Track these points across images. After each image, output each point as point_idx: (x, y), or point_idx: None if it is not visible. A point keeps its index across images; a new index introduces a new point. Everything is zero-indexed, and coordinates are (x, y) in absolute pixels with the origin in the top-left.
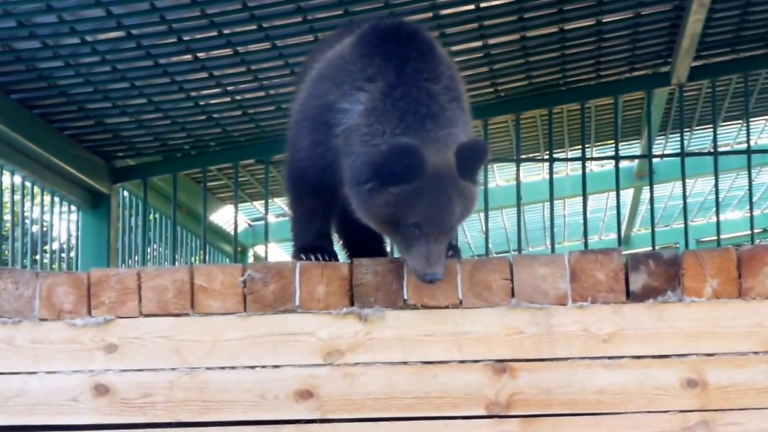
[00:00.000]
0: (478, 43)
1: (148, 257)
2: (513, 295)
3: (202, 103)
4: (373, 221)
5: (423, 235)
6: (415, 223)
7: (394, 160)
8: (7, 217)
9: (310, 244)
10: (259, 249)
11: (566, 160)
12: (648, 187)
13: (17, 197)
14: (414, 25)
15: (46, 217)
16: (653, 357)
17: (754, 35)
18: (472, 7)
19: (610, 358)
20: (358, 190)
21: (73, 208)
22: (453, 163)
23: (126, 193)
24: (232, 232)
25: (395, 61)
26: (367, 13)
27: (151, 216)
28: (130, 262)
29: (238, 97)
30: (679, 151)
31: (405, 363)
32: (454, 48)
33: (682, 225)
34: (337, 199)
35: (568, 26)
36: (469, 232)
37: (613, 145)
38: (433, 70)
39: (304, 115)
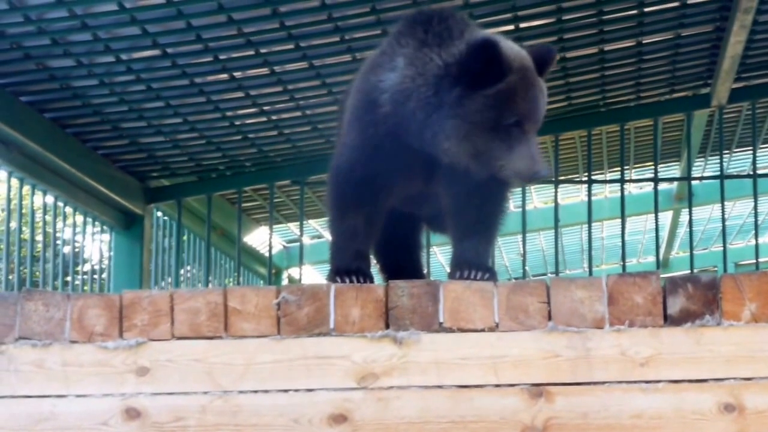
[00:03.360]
0: None
1: (182, 279)
2: (550, 318)
3: (237, 123)
4: (465, 134)
5: (522, 134)
6: (516, 121)
7: (475, 60)
8: (39, 237)
9: (347, 266)
10: (294, 271)
11: (605, 182)
12: (687, 210)
13: (49, 218)
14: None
15: (78, 238)
16: (691, 381)
17: None
18: (511, 27)
19: (647, 382)
20: (441, 105)
21: (105, 228)
22: (530, 58)
23: (160, 214)
24: (267, 254)
25: (422, 25)
26: None
27: (185, 237)
28: (162, 283)
29: (274, 117)
30: (718, 173)
31: (440, 387)
32: None
33: (721, 248)
34: (380, 214)
35: (607, 47)
36: (506, 255)
37: (653, 167)
38: (462, 26)
39: (351, 111)
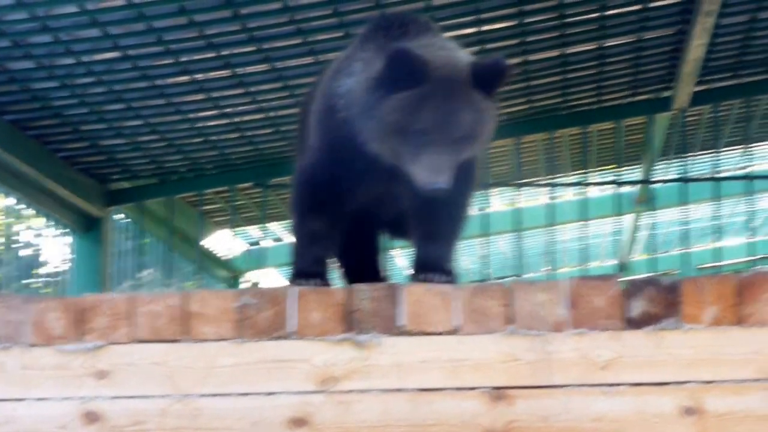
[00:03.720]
0: None
1: (142, 282)
2: (510, 321)
3: (199, 125)
4: (381, 136)
5: (429, 144)
6: (421, 129)
7: (393, 66)
8: None
9: (307, 270)
10: (255, 274)
11: (566, 185)
12: (648, 213)
13: (9, 220)
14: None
15: (39, 240)
16: (651, 384)
17: (756, 60)
18: (473, 30)
19: (608, 385)
20: (365, 108)
21: (66, 231)
22: (464, 70)
23: (120, 217)
24: (228, 257)
25: (384, 30)
26: None
27: (145, 240)
28: (123, 287)
29: (236, 119)
30: (680, 176)
31: (401, 390)
32: None
33: (682, 251)
34: (342, 218)
35: (569, 50)
36: (467, 258)
37: (614, 170)
38: (423, 30)
39: (314, 115)
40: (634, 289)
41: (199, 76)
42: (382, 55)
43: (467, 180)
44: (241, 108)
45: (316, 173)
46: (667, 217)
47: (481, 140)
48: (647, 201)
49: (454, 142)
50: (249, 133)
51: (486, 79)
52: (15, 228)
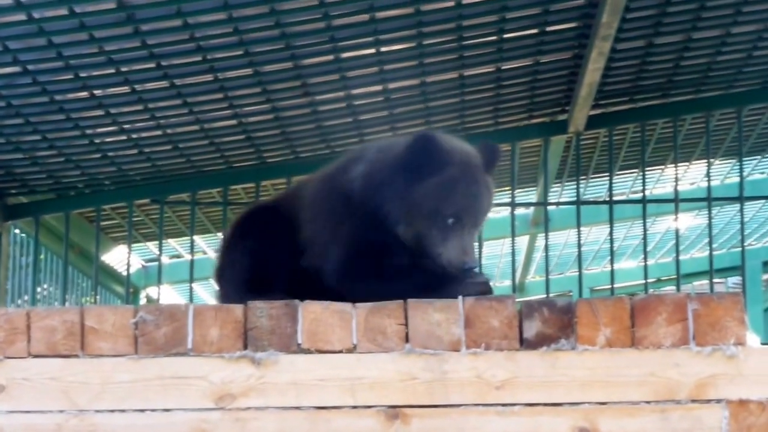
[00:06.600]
0: (378, 88)
1: (39, 297)
2: (407, 340)
3: (97, 141)
4: (410, 219)
5: (459, 227)
6: (454, 213)
7: (418, 152)
8: None
9: None
10: (152, 291)
11: None
12: (543, 235)
13: None
14: None
15: None
16: (546, 405)
17: (651, 85)
18: (372, 51)
19: (503, 405)
20: (391, 192)
21: None
22: (478, 155)
23: (17, 231)
24: (125, 273)
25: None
26: (268, 54)
27: (42, 255)
28: (19, 302)
29: (134, 136)
30: (574, 199)
31: (298, 408)
32: (354, 92)
33: (577, 273)
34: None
35: (467, 72)
36: None
37: (510, 191)
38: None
39: (324, 212)
40: (529, 310)
41: (98, 92)
42: (403, 142)
43: None
44: (139, 124)
45: (354, 261)
46: (562, 239)
47: None
48: (542, 223)
49: (476, 223)
50: (147, 150)
51: (488, 161)
52: None
